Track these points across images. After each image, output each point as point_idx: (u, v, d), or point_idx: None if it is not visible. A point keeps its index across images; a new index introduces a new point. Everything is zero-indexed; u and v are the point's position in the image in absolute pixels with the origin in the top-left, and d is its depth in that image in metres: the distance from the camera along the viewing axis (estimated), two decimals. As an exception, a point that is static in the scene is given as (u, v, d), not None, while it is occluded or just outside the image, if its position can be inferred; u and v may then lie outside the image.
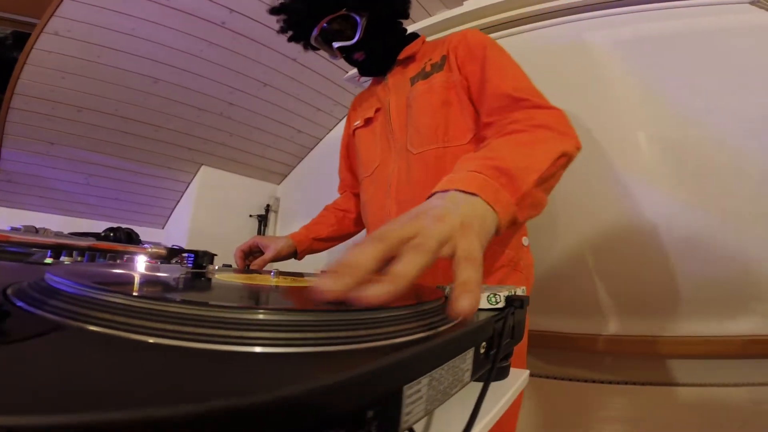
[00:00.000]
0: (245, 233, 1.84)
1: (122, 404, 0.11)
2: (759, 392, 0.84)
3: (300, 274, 0.57)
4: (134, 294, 0.22)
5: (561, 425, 1.03)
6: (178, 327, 0.18)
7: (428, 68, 0.75)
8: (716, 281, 0.87)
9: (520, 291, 0.40)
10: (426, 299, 0.29)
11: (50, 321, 0.19)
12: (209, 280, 0.39)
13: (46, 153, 1.57)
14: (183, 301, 0.20)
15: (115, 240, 1.20)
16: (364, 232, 0.98)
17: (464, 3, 1.23)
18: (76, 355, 0.15)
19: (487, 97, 0.66)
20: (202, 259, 0.50)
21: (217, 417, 0.11)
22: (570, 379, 1.01)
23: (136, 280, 0.33)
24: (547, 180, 0.48)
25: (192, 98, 1.55)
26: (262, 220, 1.85)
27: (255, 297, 0.32)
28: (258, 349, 0.18)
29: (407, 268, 0.27)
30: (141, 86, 1.48)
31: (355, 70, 1.50)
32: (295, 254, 0.90)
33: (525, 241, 0.74)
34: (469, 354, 0.26)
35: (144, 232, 1.22)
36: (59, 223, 1.56)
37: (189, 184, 1.79)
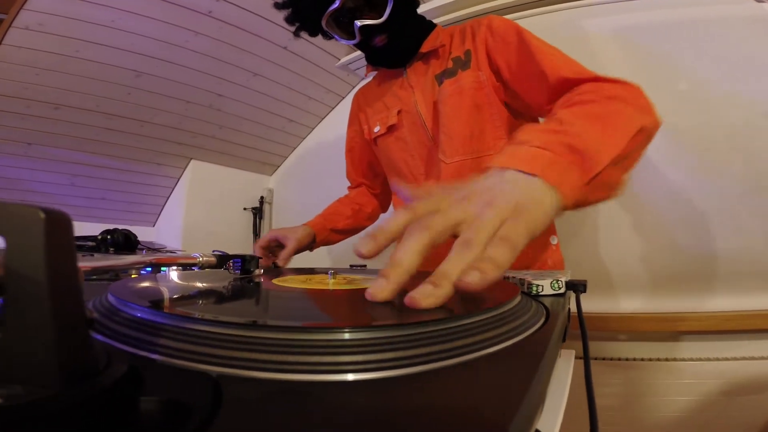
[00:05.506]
0: (240, 227, 1.81)
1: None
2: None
3: (312, 270, 0.58)
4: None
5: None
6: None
7: (450, 64, 0.69)
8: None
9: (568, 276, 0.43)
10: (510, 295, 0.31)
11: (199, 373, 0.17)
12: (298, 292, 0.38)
13: (24, 154, 1.49)
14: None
15: (113, 243, 1.17)
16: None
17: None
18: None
19: (540, 87, 0.59)
20: (249, 264, 0.50)
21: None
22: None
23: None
24: (625, 159, 0.42)
25: (178, 91, 1.49)
26: (257, 212, 1.83)
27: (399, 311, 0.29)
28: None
29: (452, 268, 0.26)
30: (123, 80, 1.41)
31: (350, 56, 1.48)
32: (312, 244, 0.85)
33: (553, 240, 0.70)
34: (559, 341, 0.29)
35: (134, 231, 1.19)
36: (46, 227, 1.50)
37: (178, 179, 1.74)
